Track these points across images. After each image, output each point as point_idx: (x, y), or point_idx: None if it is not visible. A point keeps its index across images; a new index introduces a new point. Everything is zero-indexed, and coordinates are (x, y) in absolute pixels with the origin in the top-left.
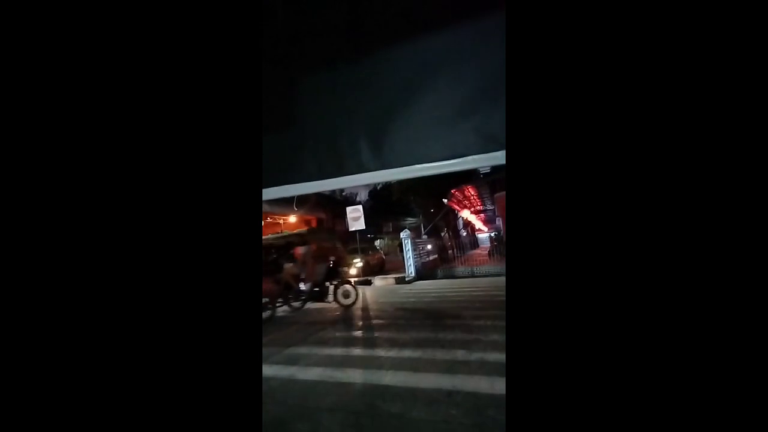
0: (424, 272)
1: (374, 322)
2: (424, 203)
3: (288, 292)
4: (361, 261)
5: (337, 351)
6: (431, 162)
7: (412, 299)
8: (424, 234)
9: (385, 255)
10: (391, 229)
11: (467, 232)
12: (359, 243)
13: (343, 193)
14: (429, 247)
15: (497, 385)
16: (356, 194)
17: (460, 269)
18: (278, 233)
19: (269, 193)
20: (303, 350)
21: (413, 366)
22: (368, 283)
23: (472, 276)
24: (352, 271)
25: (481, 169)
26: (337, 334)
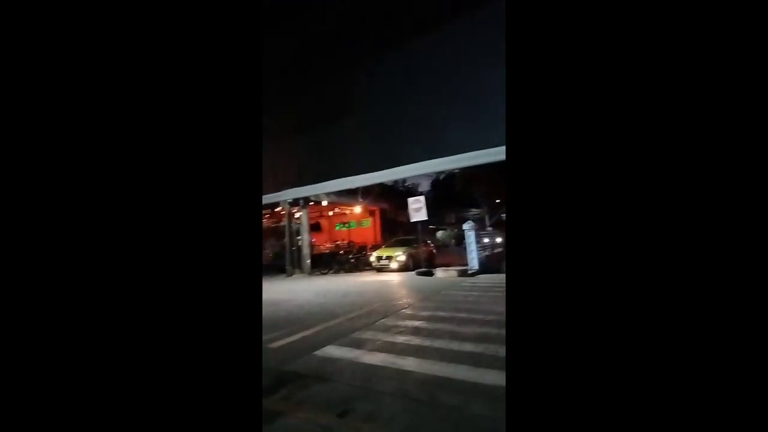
0: (489, 265)
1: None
2: (489, 194)
3: None
4: (403, 254)
5: None
6: (490, 147)
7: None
8: (489, 226)
9: (439, 247)
10: (453, 220)
11: None
12: (420, 234)
13: (405, 184)
14: (495, 239)
15: None
16: (418, 184)
17: None
18: None
19: (328, 186)
20: None
21: None
22: (430, 274)
23: None
24: (393, 264)
25: None
26: None
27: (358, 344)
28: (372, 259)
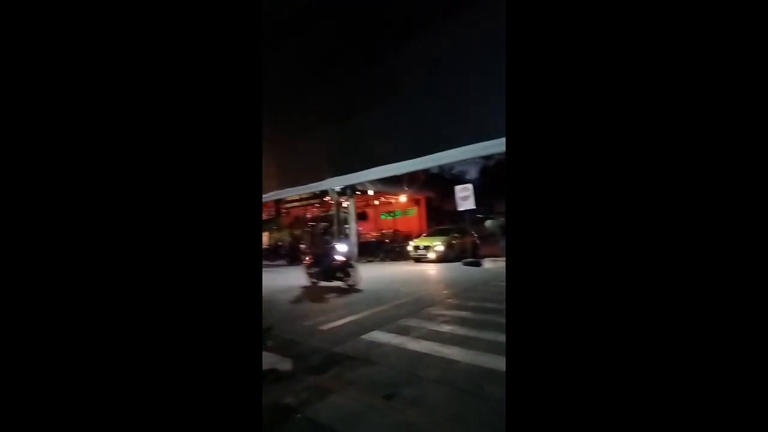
0: None
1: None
2: None
3: None
4: (442, 244)
5: None
6: None
7: None
8: None
9: (485, 237)
10: (503, 209)
11: None
12: (466, 223)
13: (452, 171)
14: None
15: None
16: (466, 172)
17: None
18: None
19: (374, 173)
20: None
21: None
22: (477, 264)
23: None
24: (431, 255)
25: None
26: None
27: (404, 331)
28: (409, 248)
